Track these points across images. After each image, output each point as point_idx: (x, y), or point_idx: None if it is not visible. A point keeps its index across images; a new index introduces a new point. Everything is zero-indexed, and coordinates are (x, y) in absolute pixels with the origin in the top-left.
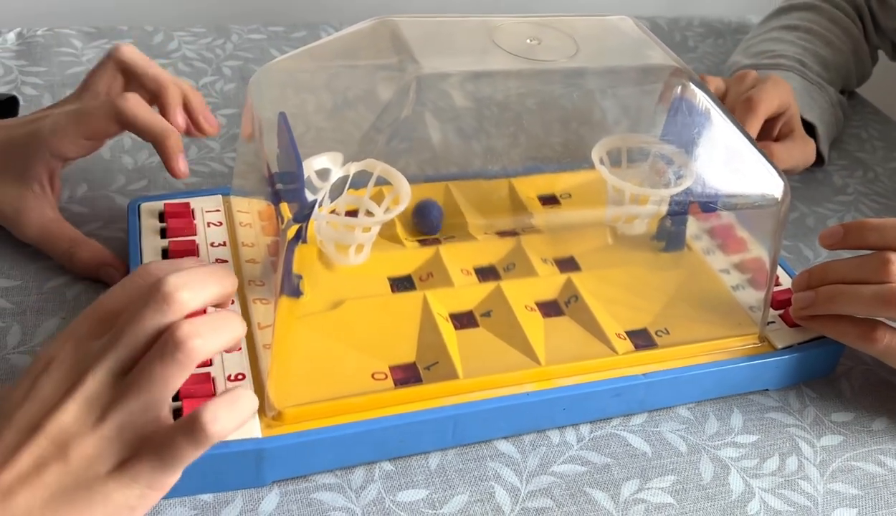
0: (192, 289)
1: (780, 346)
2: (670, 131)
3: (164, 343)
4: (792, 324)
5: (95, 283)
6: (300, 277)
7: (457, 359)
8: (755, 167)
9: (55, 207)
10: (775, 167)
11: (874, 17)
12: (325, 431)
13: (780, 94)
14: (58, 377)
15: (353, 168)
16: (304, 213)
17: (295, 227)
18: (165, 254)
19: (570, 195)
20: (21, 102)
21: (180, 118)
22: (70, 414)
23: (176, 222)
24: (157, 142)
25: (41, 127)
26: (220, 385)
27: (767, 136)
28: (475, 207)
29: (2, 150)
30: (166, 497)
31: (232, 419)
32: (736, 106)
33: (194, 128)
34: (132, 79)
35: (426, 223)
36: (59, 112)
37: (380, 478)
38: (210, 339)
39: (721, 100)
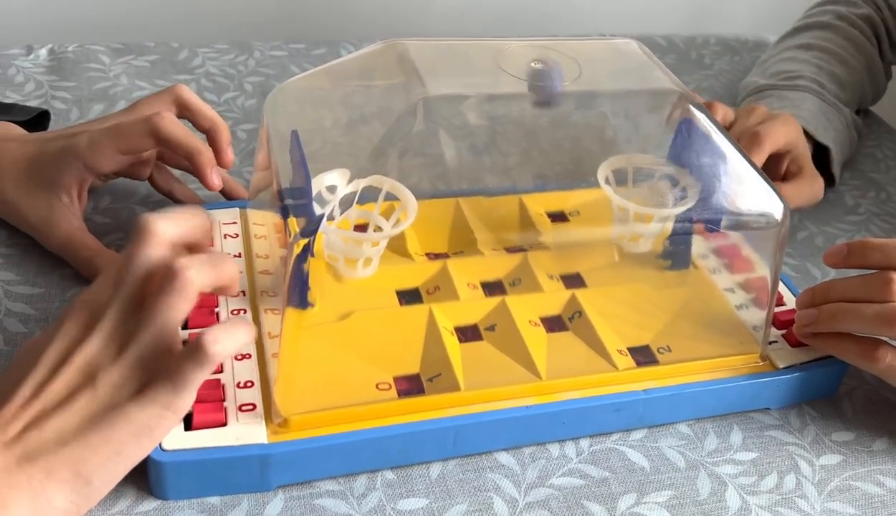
0: (167, 220)
1: (781, 366)
2: (674, 153)
3: (162, 276)
4: (794, 344)
5: None
6: (309, 288)
7: (459, 372)
8: (756, 188)
9: (80, 218)
10: (775, 189)
11: (889, 32)
12: (329, 439)
13: (788, 132)
14: (78, 324)
15: (360, 184)
16: (311, 228)
17: (302, 242)
18: None
19: (578, 212)
20: (51, 116)
21: (230, 156)
22: (94, 347)
23: None
24: (191, 158)
25: (77, 141)
26: (230, 392)
27: (774, 174)
28: (484, 223)
29: (35, 162)
30: (175, 499)
31: (231, 342)
32: (742, 138)
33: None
34: (185, 114)
35: (546, 88)
36: (97, 128)
37: (381, 486)
38: (203, 270)
39: (727, 129)
